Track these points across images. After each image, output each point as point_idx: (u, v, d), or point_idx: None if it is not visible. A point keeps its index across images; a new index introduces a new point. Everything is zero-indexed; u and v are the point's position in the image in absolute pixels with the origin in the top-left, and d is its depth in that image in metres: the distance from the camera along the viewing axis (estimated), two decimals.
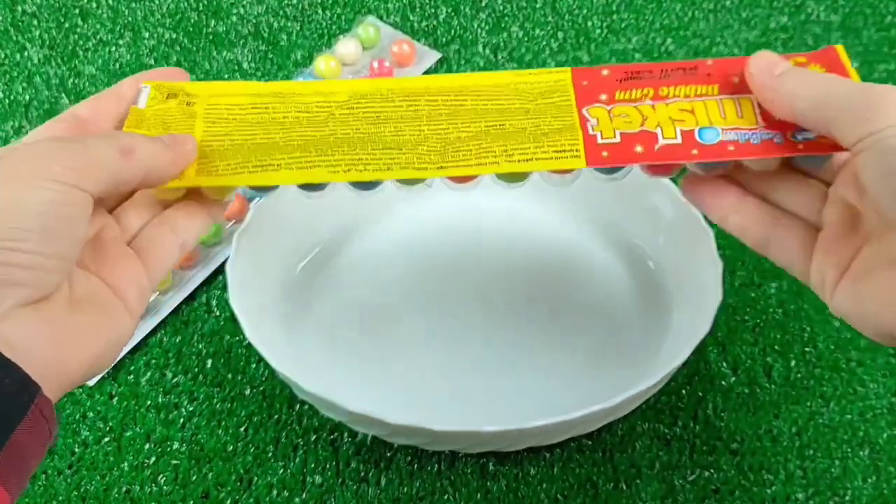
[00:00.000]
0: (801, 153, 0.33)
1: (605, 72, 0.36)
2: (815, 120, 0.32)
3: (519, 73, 0.36)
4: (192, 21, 0.67)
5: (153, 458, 0.45)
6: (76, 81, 0.63)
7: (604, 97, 0.35)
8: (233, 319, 0.50)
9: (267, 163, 0.35)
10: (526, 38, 0.65)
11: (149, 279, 0.34)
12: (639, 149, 0.34)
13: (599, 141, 0.34)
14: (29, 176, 0.29)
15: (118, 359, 0.48)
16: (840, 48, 0.35)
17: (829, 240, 0.33)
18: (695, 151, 0.34)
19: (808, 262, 0.34)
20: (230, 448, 0.45)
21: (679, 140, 0.34)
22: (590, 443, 0.45)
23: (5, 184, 0.28)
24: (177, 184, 0.35)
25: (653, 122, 0.34)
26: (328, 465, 0.45)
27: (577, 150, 0.34)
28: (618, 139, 0.34)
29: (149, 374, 0.48)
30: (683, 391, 0.47)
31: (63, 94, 0.62)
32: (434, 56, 0.64)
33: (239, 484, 0.44)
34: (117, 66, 0.64)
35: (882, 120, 0.29)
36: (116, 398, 0.47)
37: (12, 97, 0.62)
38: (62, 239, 0.29)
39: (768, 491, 0.43)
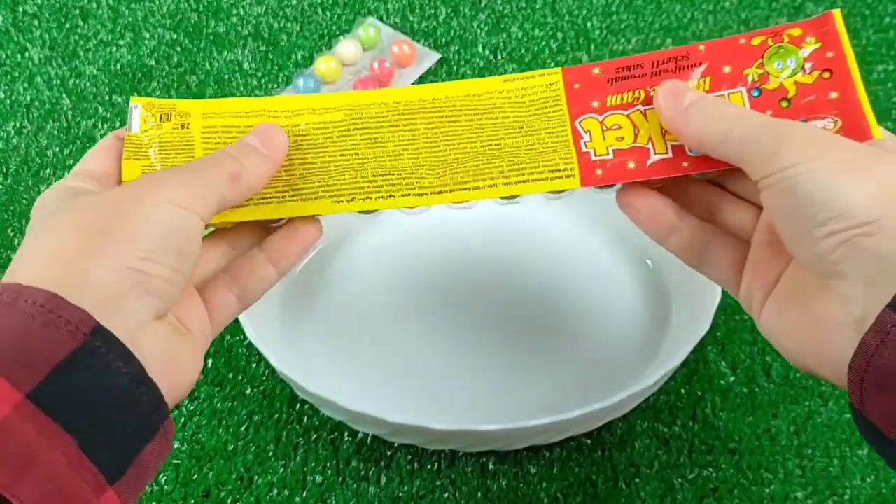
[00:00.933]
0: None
1: (595, 70, 0.36)
2: (723, 155, 0.32)
3: (510, 79, 0.37)
4: (193, 21, 0.67)
5: None
6: (77, 82, 0.63)
7: (595, 104, 0.36)
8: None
9: (272, 195, 0.35)
10: (525, 39, 0.66)
11: (212, 324, 0.35)
12: (631, 165, 0.35)
13: (593, 158, 0.35)
14: (154, 197, 0.30)
15: None
16: (837, 14, 0.34)
17: (757, 260, 0.33)
18: (686, 164, 0.34)
19: (740, 281, 0.34)
20: (231, 447, 0.45)
21: (670, 154, 0.34)
22: (589, 442, 0.45)
23: (135, 203, 0.29)
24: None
25: (644, 135, 0.35)
26: (328, 464, 0.45)
27: (571, 170, 0.35)
28: (611, 156, 0.35)
29: None
30: (682, 390, 0.47)
31: (64, 95, 0.62)
32: (434, 57, 0.64)
33: (240, 483, 0.44)
34: (118, 66, 0.64)
35: (785, 158, 0.29)
36: None
37: (13, 97, 0.62)
38: (184, 255, 0.30)
39: (767, 490, 0.44)
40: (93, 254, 0.28)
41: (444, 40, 0.66)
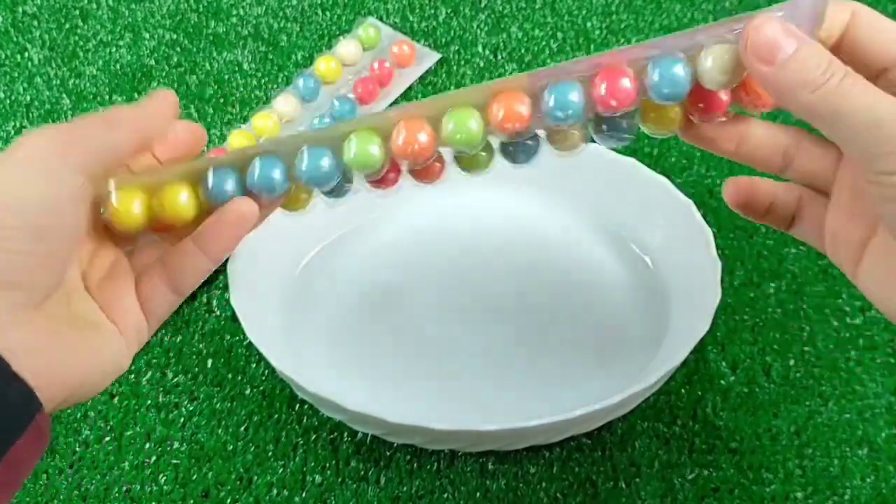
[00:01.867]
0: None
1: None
2: (822, 130, 0.30)
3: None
4: (193, 22, 0.67)
5: (154, 458, 0.45)
6: (77, 82, 0.63)
7: None
8: (233, 319, 0.50)
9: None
10: (525, 39, 0.66)
11: (148, 321, 0.34)
12: None
13: None
14: (16, 166, 0.28)
15: None
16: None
17: (839, 220, 0.33)
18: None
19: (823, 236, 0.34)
20: (230, 447, 0.45)
21: None
22: (589, 442, 0.45)
23: None
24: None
25: None
26: (328, 464, 0.45)
27: None
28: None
29: (149, 373, 0.48)
30: (683, 390, 0.47)
31: (64, 95, 0.62)
32: (434, 57, 0.64)
33: (239, 483, 0.44)
34: (118, 66, 0.64)
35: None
36: (117, 397, 0.47)
37: (13, 98, 0.62)
38: (52, 236, 0.28)
39: (767, 490, 0.44)
40: None
41: (443, 40, 0.66)
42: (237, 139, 0.57)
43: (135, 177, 0.34)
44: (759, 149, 0.34)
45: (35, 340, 0.28)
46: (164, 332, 0.50)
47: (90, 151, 0.29)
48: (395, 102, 0.62)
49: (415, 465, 0.45)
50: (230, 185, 0.34)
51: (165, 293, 0.34)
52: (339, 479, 0.44)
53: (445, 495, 0.44)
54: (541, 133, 0.35)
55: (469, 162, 0.36)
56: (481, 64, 0.64)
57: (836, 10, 0.31)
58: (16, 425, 0.27)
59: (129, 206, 0.33)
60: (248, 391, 0.47)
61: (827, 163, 0.33)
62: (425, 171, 0.35)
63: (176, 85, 0.63)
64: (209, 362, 0.49)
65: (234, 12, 0.68)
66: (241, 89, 0.62)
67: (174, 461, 0.45)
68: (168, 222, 0.34)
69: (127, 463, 0.45)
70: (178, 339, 0.50)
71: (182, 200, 0.34)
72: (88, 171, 0.29)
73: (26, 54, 0.65)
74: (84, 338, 0.30)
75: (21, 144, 0.28)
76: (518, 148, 0.35)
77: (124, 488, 0.44)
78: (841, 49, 0.31)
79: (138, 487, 0.44)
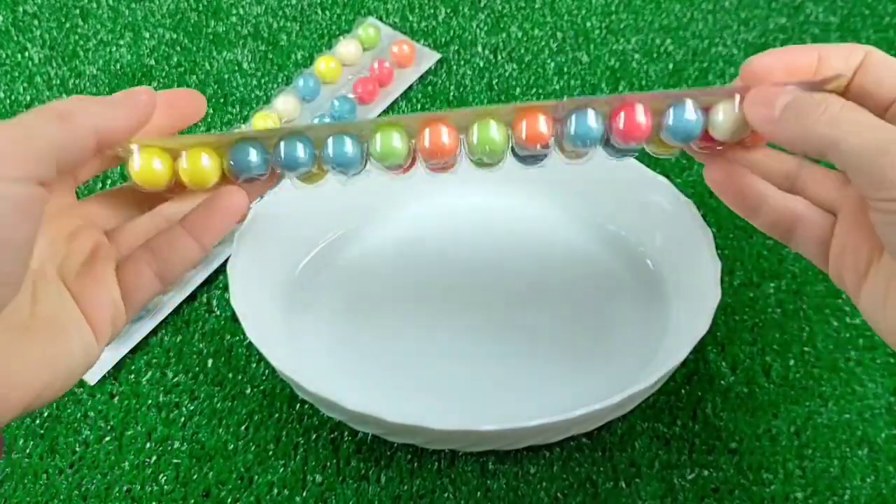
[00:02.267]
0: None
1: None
2: (831, 160, 0.30)
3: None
4: (193, 21, 0.67)
5: (154, 457, 0.45)
6: (77, 82, 0.63)
7: None
8: (233, 319, 0.50)
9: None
10: (525, 39, 0.66)
11: (127, 307, 0.33)
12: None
13: None
14: None
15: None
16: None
17: (844, 242, 0.33)
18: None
19: (827, 258, 0.34)
20: (231, 447, 0.45)
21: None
22: (589, 442, 0.45)
23: None
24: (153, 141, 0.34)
25: None
26: (329, 464, 0.45)
27: None
28: None
29: (150, 373, 0.48)
30: (682, 391, 0.47)
31: (64, 95, 0.62)
32: (434, 57, 0.64)
33: (240, 482, 0.44)
34: (118, 66, 0.64)
35: (893, 189, 0.28)
36: (117, 397, 0.47)
37: (13, 97, 0.62)
38: (16, 238, 0.26)
39: (767, 490, 0.44)
40: None
41: (443, 40, 0.66)
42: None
43: (160, 140, 0.34)
44: (764, 174, 0.36)
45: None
46: (164, 331, 0.50)
47: (39, 157, 0.26)
48: (395, 102, 0.62)
49: (415, 464, 0.45)
50: (255, 157, 0.35)
51: (151, 280, 0.33)
52: (340, 479, 0.44)
53: (446, 495, 0.44)
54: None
55: (484, 161, 0.37)
56: (481, 64, 0.64)
57: (850, 51, 0.32)
58: None
59: (151, 164, 0.34)
60: (248, 391, 0.47)
61: (831, 184, 0.34)
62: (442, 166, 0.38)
63: (176, 85, 0.63)
64: (209, 362, 0.49)
65: (234, 12, 0.68)
66: (241, 89, 0.62)
67: (175, 461, 0.45)
68: (190, 185, 0.35)
69: (127, 462, 0.45)
70: (179, 339, 0.50)
71: (205, 164, 0.35)
72: (40, 175, 0.26)
73: (26, 54, 0.65)
74: (46, 341, 0.29)
75: None
76: (529, 155, 0.37)
77: (125, 488, 0.44)
78: (851, 88, 0.32)
79: (139, 487, 0.44)
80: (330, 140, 0.36)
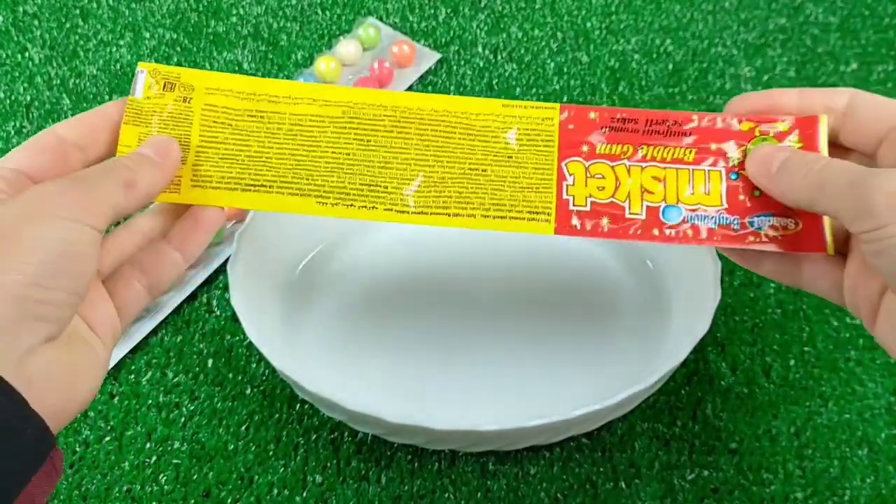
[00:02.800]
0: (750, 246, 0.36)
1: (592, 115, 0.37)
2: (821, 212, 0.33)
3: (509, 105, 0.38)
4: (193, 21, 0.67)
5: (154, 457, 0.45)
6: (77, 82, 0.63)
7: (585, 148, 0.37)
8: (234, 319, 0.50)
9: (259, 182, 0.36)
10: (525, 39, 0.66)
11: (121, 321, 0.35)
12: (605, 221, 0.36)
13: (571, 206, 0.36)
14: (43, 215, 0.29)
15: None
16: (824, 119, 0.35)
17: (855, 278, 0.34)
18: (656, 232, 0.36)
19: (841, 294, 0.35)
20: (231, 447, 0.45)
21: (644, 216, 0.36)
22: (589, 442, 0.45)
23: (23, 223, 0.29)
24: (173, 199, 0.36)
25: (623, 191, 0.36)
26: (329, 464, 0.45)
27: (548, 214, 0.36)
28: (588, 207, 0.36)
29: (150, 373, 0.48)
30: (682, 391, 0.47)
31: (64, 95, 0.62)
32: (434, 57, 0.64)
33: (240, 482, 0.44)
34: (118, 66, 0.64)
35: (873, 219, 0.29)
36: (117, 397, 0.47)
37: (13, 97, 0.62)
38: (78, 276, 0.30)
39: (767, 490, 0.44)
40: None
41: (443, 40, 0.66)
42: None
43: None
44: None
45: (51, 368, 0.29)
46: (164, 332, 0.50)
47: (107, 216, 0.31)
48: None
49: (416, 464, 0.45)
50: None
51: (142, 294, 0.35)
52: (341, 479, 0.44)
53: (446, 495, 0.44)
54: None
55: None
56: (481, 64, 0.64)
57: (832, 95, 0.35)
58: (32, 462, 0.27)
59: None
60: (248, 391, 0.47)
61: (838, 228, 0.35)
62: None
63: None
64: (209, 362, 0.49)
65: (234, 12, 0.68)
66: None
67: (175, 461, 0.45)
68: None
69: (127, 463, 0.45)
70: (179, 339, 0.50)
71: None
72: (102, 227, 0.31)
73: (27, 54, 0.65)
74: (84, 354, 0.32)
75: (38, 199, 0.30)
76: None
77: (125, 488, 0.44)
78: (844, 128, 0.35)
79: (139, 487, 0.44)
80: None
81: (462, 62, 0.64)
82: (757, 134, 0.36)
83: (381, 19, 0.67)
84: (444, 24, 0.67)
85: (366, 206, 0.36)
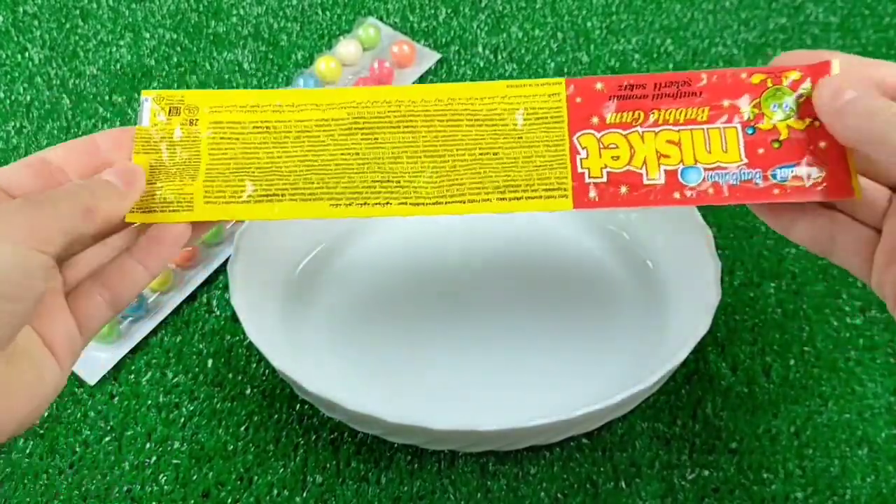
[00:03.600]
0: (775, 199, 0.35)
1: (598, 85, 0.37)
2: (878, 158, 0.32)
3: (514, 85, 0.37)
4: (193, 22, 0.67)
5: (154, 458, 0.45)
6: (77, 82, 0.63)
7: (595, 120, 0.36)
8: (233, 319, 0.50)
9: (272, 192, 0.36)
10: (525, 39, 0.66)
11: (82, 335, 0.34)
12: (623, 190, 0.35)
13: (587, 179, 0.36)
14: None
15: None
16: (836, 63, 0.35)
17: (889, 251, 0.33)
18: (676, 195, 0.35)
19: (870, 269, 0.34)
20: (231, 447, 0.45)
21: (662, 181, 0.35)
22: (589, 442, 0.45)
23: None
24: (186, 217, 0.36)
25: (639, 157, 0.36)
26: (328, 465, 0.45)
27: (565, 189, 0.36)
28: (605, 178, 0.36)
29: (149, 373, 0.48)
30: (682, 390, 0.47)
31: (64, 95, 0.62)
32: (434, 57, 0.64)
33: (239, 483, 0.44)
34: (118, 66, 0.64)
35: None
36: (117, 398, 0.47)
37: (13, 98, 0.62)
38: (19, 301, 0.29)
39: (767, 490, 0.44)
40: None
41: (444, 40, 0.66)
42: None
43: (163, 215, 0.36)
44: None
45: None
46: (164, 332, 0.50)
47: (60, 243, 0.30)
48: None
49: (415, 465, 0.45)
50: None
51: (103, 309, 0.35)
52: (340, 480, 0.44)
53: (446, 495, 0.44)
54: None
55: None
56: (481, 64, 0.64)
57: (885, 67, 0.33)
58: None
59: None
60: (248, 391, 0.47)
61: (876, 197, 0.34)
62: None
63: (176, 85, 0.63)
64: (209, 362, 0.49)
65: (235, 12, 0.68)
66: (242, 89, 0.62)
67: (175, 461, 0.45)
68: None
69: (127, 463, 0.45)
70: (178, 339, 0.50)
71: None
72: (54, 252, 0.30)
73: (26, 54, 0.65)
74: (26, 372, 0.31)
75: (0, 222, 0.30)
76: None
77: (125, 488, 0.44)
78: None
79: (139, 487, 0.44)
80: None
81: (462, 62, 0.64)
82: (769, 85, 0.35)
83: (381, 19, 0.67)
84: (444, 24, 0.67)
85: (380, 203, 0.36)
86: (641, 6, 0.68)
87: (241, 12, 0.68)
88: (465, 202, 0.36)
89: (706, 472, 0.44)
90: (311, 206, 0.36)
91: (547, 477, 0.44)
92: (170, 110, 0.37)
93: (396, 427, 0.40)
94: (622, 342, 0.47)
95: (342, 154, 0.37)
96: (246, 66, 0.64)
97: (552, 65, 0.64)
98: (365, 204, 0.36)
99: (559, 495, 0.44)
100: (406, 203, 0.36)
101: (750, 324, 0.49)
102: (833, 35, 0.65)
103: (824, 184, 0.34)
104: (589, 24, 0.67)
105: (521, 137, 0.36)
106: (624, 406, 0.41)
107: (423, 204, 0.36)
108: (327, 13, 0.68)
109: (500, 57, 0.64)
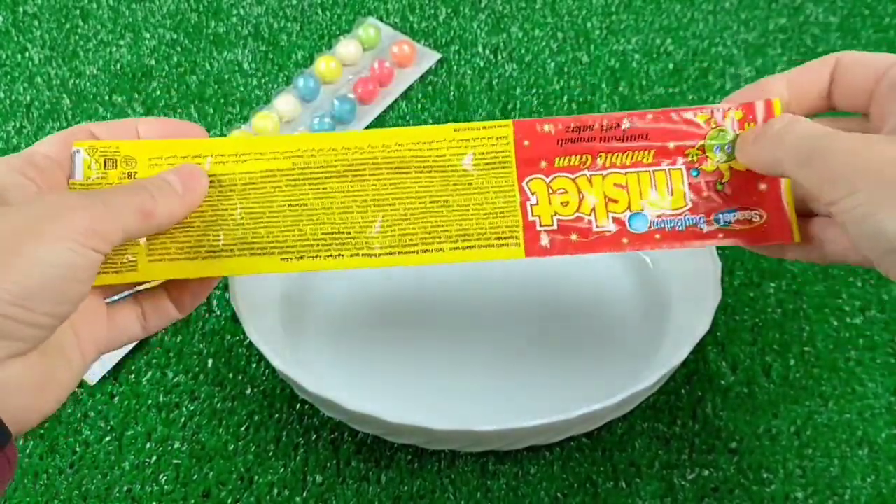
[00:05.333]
0: (721, 243, 0.36)
1: (546, 127, 0.36)
2: (792, 180, 0.33)
3: (461, 129, 0.37)
4: (193, 22, 0.67)
5: (154, 457, 0.45)
6: (77, 82, 0.63)
7: (543, 164, 0.36)
8: (233, 319, 0.50)
9: (219, 248, 0.36)
10: (525, 39, 0.66)
11: (110, 342, 0.35)
12: (574, 237, 0.36)
13: (538, 227, 0.36)
14: (50, 233, 0.29)
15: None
16: (777, 102, 0.35)
17: None
18: (625, 241, 0.36)
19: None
20: (231, 447, 0.45)
21: (612, 229, 0.36)
22: (589, 442, 0.45)
23: (25, 237, 0.28)
24: (130, 278, 0.35)
25: (587, 204, 0.36)
26: (329, 464, 0.45)
27: (517, 238, 0.36)
28: (555, 226, 0.36)
29: (150, 373, 0.48)
30: (682, 390, 0.47)
31: (64, 95, 0.62)
32: (434, 57, 0.64)
33: (240, 483, 0.44)
34: (118, 66, 0.64)
35: (830, 193, 0.29)
36: (117, 397, 0.47)
37: (13, 98, 0.62)
38: (65, 301, 0.29)
39: (767, 490, 0.44)
40: None
41: (444, 40, 0.66)
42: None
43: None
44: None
45: (20, 379, 0.29)
46: (164, 332, 0.50)
47: (116, 242, 0.31)
48: (395, 102, 0.62)
49: (416, 464, 0.45)
50: None
51: (137, 329, 0.36)
52: (340, 479, 0.44)
53: (447, 495, 0.44)
54: None
55: None
56: (481, 64, 0.64)
57: (822, 66, 0.34)
58: None
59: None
60: (248, 391, 0.47)
61: None
62: None
63: (176, 85, 0.63)
64: (209, 362, 0.49)
65: (235, 12, 0.68)
66: (241, 89, 0.62)
67: (175, 461, 0.45)
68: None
69: (127, 463, 0.45)
70: (179, 339, 0.50)
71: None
72: (108, 251, 0.31)
73: (27, 54, 0.65)
74: (54, 368, 0.31)
75: (53, 209, 0.29)
76: None
77: (125, 488, 0.44)
78: (835, 93, 0.34)
79: (139, 487, 0.44)
80: None
81: (462, 62, 0.64)
82: (712, 126, 0.36)
83: (381, 19, 0.67)
84: (444, 24, 0.67)
85: (332, 256, 0.36)
86: (641, 6, 0.68)
87: (241, 12, 0.68)
88: (417, 252, 0.36)
89: (706, 472, 0.44)
90: (261, 260, 0.36)
91: (547, 477, 0.44)
92: (105, 163, 0.35)
93: (396, 427, 0.40)
94: (622, 342, 0.47)
95: (290, 206, 0.36)
96: (246, 66, 0.64)
97: (552, 65, 0.64)
98: (317, 257, 0.36)
99: (559, 495, 0.44)
100: (358, 255, 0.36)
101: (750, 324, 0.50)
102: (833, 35, 0.65)
103: (764, 228, 0.36)
104: (589, 24, 0.67)
105: (471, 184, 0.36)
106: (624, 406, 0.41)
107: (376, 255, 0.36)
108: (327, 13, 0.68)
109: (500, 57, 0.64)
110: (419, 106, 0.61)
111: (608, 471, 0.44)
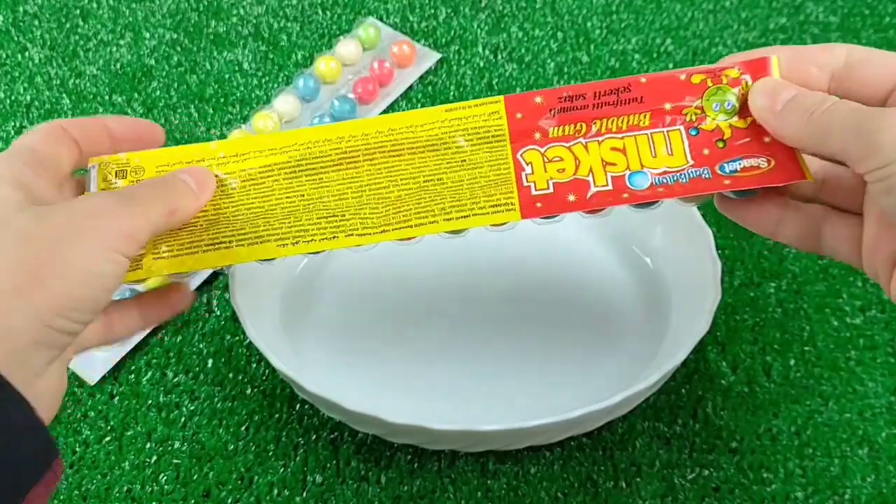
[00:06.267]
0: (727, 188, 0.35)
1: (538, 99, 0.36)
2: (822, 153, 0.32)
3: (452, 108, 0.37)
4: (193, 21, 0.67)
5: (154, 457, 0.45)
6: (77, 82, 0.63)
7: (538, 135, 0.36)
8: (233, 319, 0.50)
9: (219, 240, 0.36)
10: (525, 39, 0.66)
11: (107, 338, 0.37)
12: (571, 197, 0.35)
13: (534, 192, 0.36)
14: (86, 239, 0.29)
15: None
16: (775, 60, 0.34)
17: (873, 235, 0.33)
18: (626, 195, 0.35)
19: (860, 256, 0.34)
20: (231, 447, 0.45)
21: (610, 186, 0.35)
22: (589, 441, 0.45)
23: (64, 245, 0.29)
24: (136, 276, 0.36)
25: (585, 167, 0.35)
26: (329, 464, 0.45)
27: (511, 204, 0.35)
28: (551, 189, 0.35)
29: (150, 373, 0.48)
30: (683, 390, 0.47)
31: (64, 95, 0.62)
32: (434, 57, 0.64)
33: (240, 483, 0.44)
34: (118, 66, 0.64)
35: (887, 154, 0.29)
36: (117, 398, 0.47)
37: (13, 97, 0.62)
38: (96, 308, 0.30)
39: (768, 489, 0.44)
40: (18, 296, 0.28)
41: (444, 40, 0.66)
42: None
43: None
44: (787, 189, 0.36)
45: (50, 386, 0.30)
46: (164, 332, 0.50)
47: (147, 240, 0.32)
48: (395, 102, 0.62)
49: (416, 464, 0.45)
50: None
51: (99, 334, 0.37)
52: (340, 479, 0.44)
53: (447, 495, 0.44)
54: None
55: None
56: (481, 64, 0.64)
57: (831, 52, 0.33)
58: (36, 470, 0.28)
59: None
60: (248, 391, 0.47)
61: (855, 184, 0.34)
62: None
63: (176, 85, 0.63)
64: (209, 362, 0.49)
65: (235, 12, 0.68)
66: (241, 89, 0.62)
67: (175, 461, 0.45)
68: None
69: (127, 463, 0.45)
70: (178, 339, 0.50)
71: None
72: (133, 256, 0.31)
73: (27, 54, 0.65)
74: (63, 377, 0.33)
75: (86, 214, 0.30)
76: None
77: (125, 488, 0.44)
78: (845, 84, 0.33)
79: (139, 487, 0.44)
80: None
81: (462, 62, 0.64)
82: (709, 85, 0.35)
83: (381, 19, 0.67)
84: (444, 24, 0.67)
85: (326, 238, 0.36)
86: (641, 6, 0.68)
87: (241, 12, 0.68)
88: (412, 226, 0.36)
89: (706, 472, 0.44)
90: (257, 248, 0.36)
91: (547, 476, 0.44)
92: (117, 174, 0.37)
93: (396, 427, 0.40)
94: (622, 342, 0.47)
95: (287, 197, 0.37)
96: (246, 65, 0.64)
97: (552, 64, 0.64)
98: (312, 240, 0.36)
99: (559, 495, 0.44)
100: (353, 234, 0.36)
101: (750, 323, 0.49)
102: (833, 35, 0.65)
103: (773, 170, 0.34)
104: (589, 23, 0.67)
105: (465, 160, 0.36)
106: (624, 406, 0.41)
107: (371, 234, 0.36)
108: (327, 13, 0.68)
109: (500, 57, 0.64)
110: (419, 106, 0.61)
111: (609, 470, 0.44)
